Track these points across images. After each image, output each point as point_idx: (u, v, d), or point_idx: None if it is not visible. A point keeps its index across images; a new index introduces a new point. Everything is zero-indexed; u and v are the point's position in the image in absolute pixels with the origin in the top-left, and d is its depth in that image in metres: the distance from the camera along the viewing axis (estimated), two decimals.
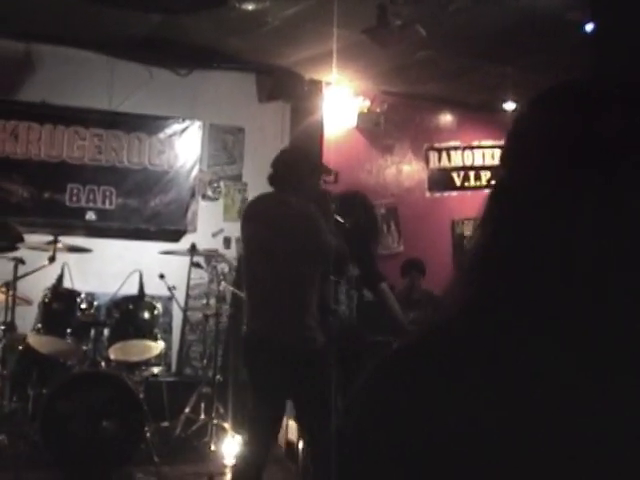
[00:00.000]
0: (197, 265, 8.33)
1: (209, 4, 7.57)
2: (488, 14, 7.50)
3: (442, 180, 10.98)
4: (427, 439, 0.99)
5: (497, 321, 1.04)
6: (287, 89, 9.61)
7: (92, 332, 7.19)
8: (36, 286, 7.29)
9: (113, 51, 8.99)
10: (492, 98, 10.28)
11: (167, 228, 9.26)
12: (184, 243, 8.74)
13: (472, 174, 11.07)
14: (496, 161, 10.99)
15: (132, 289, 7.55)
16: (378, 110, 10.20)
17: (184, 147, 9.37)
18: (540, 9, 7.22)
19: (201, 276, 9.23)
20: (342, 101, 9.95)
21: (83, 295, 7.29)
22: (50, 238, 7.15)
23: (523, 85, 9.22)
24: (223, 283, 8.39)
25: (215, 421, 7.46)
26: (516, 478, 0.95)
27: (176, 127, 9.35)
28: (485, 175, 11.05)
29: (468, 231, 10.90)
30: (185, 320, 9.12)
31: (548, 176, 1.05)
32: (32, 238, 7.46)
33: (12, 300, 6.92)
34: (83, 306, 7.21)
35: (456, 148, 11.04)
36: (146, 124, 9.25)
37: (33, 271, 7.01)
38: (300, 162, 5.43)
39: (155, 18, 8.08)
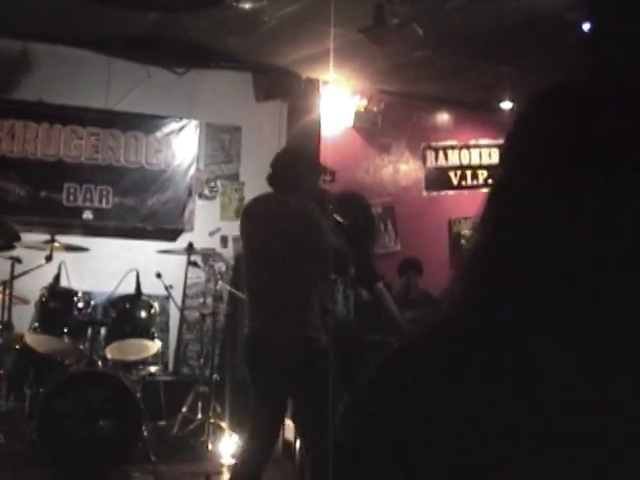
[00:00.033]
0: (194, 264, 8.33)
1: (208, 3, 7.56)
2: (485, 13, 7.50)
3: (439, 179, 10.99)
4: (427, 439, 0.99)
5: (497, 321, 1.04)
6: (284, 88, 9.61)
7: (89, 331, 7.19)
8: (33, 285, 7.28)
9: (110, 50, 8.98)
10: (489, 97, 10.28)
11: (164, 227, 9.26)
12: (181, 242, 8.74)
13: (469, 173, 11.07)
14: (493, 160, 11.01)
15: (129, 288, 7.55)
16: (375, 109, 10.20)
17: (181, 146, 9.36)
18: (540, 9, 7.22)
19: (198, 275, 9.22)
20: (339, 100, 9.95)
21: (80, 294, 7.29)
22: (47, 237, 7.16)
23: (520, 84, 9.22)
24: (220, 282, 8.39)
25: (212, 420, 7.46)
26: (516, 478, 0.95)
27: (173, 126, 9.35)
28: (482, 174, 11.06)
29: (465, 230, 10.89)
30: (182, 319, 9.12)
31: (548, 176, 1.05)
32: (29, 237, 7.46)
33: (9, 299, 6.92)
34: (80, 305, 7.21)
35: (453, 147, 11.04)
36: (143, 123, 9.24)
37: (30, 270, 7.02)
38: (298, 162, 5.43)
39: (152, 17, 8.08)
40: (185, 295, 8.60)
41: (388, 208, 10.53)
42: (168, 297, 8.33)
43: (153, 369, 7.74)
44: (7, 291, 6.93)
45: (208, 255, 9.12)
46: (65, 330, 7.05)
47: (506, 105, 10.38)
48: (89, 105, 9.00)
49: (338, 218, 5.62)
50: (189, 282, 8.71)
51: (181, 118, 9.38)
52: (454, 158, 11.05)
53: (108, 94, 9.05)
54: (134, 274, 7.52)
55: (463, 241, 10.87)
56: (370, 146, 10.53)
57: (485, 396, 0.98)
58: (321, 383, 4.82)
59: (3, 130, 8.68)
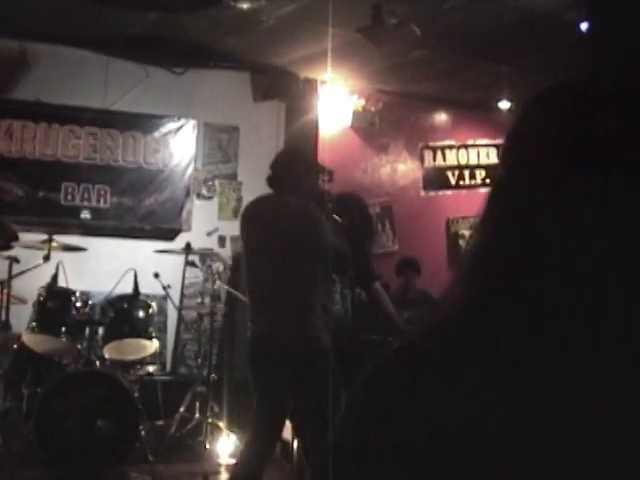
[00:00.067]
0: (192, 264, 8.33)
1: (206, 3, 7.56)
2: (483, 12, 7.51)
3: (437, 179, 10.99)
4: (427, 439, 0.99)
5: (497, 321, 1.04)
6: (282, 88, 9.62)
7: (87, 331, 7.18)
8: (31, 285, 7.28)
9: (108, 50, 8.98)
10: (487, 97, 10.29)
11: (162, 227, 9.26)
12: (179, 242, 8.73)
13: (467, 173, 11.08)
14: (491, 160, 11.01)
15: (127, 288, 7.55)
16: (373, 109, 10.20)
17: (179, 146, 9.36)
18: (538, 8, 7.23)
19: (196, 275, 9.23)
20: (337, 100, 9.95)
21: (78, 294, 7.28)
22: (45, 237, 7.15)
23: (518, 84, 9.23)
24: (218, 282, 8.39)
25: (210, 420, 7.45)
26: (516, 478, 0.95)
27: (171, 126, 9.35)
28: (480, 174, 11.06)
29: (463, 230, 10.90)
30: (180, 319, 9.11)
31: (547, 176, 1.05)
32: (27, 237, 7.45)
33: (7, 299, 6.91)
34: (78, 305, 7.21)
35: (451, 147, 11.05)
36: (141, 123, 9.24)
37: (28, 270, 7.01)
38: (297, 162, 5.43)
39: (151, 17, 8.08)
40: (183, 295, 8.59)
41: (386, 208, 10.53)
42: (166, 297, 8.33)
43: (151, 369, 7.74)
44: (5, 291, 6.91)
45: (206, 255, 9.13)
46: (63, 330, 7.04)
47: (504, 105, 10.38)
48: (87, 105, 9.00)
49: (337, 218, 5.63)
50: (187, 282, 8.71)
51: (179, 118, 9.38)
52: (452, 158, 11.05)
53: (106, 94, 9.05)
54: (132, 274, 7.52)
55: (461, 241, 10.88)
56: (368, 146, 10.54)
57: (485, 396, 0.98)
58: (322, 383, 4.82)
59: (1, 130, 8.68)
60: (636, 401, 0.95)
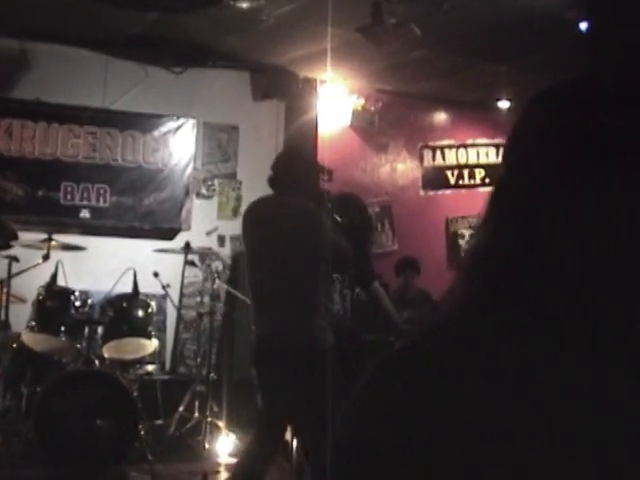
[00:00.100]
0: (191, 263, 8.33)
1: (207, 2, 7.57)
2: (482, 12, 7.51)
3: (436, 178, 10.99)
4: (427, 439, 0.99)
5: (497, 321, 1.04)
6: (281, 87, 9.62)
7: (86, 330, 7.18)
8: (30, 284, 7.28)
9: (108, 49, 8.98)
10: (486, 96, 10.29)
11: (161, 226, 9.26)
12: (178, 241, 8.73)
13: (466, 172, 11.08)
14: (490, 159, 11.01)
15: (126, 287, 7.55)
16: (372, 108, 10.20)
17: (178, 145, 9.36)
18: (538, 8, 7.23)
19: (195, 274, 9.23)
20: (336, 99, 9.95)
21: (77, 293, 7.28)
22: (44, 236, 7.15)
23: (518, 83, 9.24)
24: (217, 281, 8.38)
25: (209, 419, 7.45)
26: (516, 478, 0.95)
27: (170, 125, 9.35)
28: (479, 173, 11.06)
29: (462, 229, 10.91)
30: (179, 318, 9.11)
31: (548, 176, 1.06)
32: (26, 236, 7.44)
33: (6, 298, 6.91)
34: (77, 304, 7.20)
35: (450, 146, 11.05)
36: (140, 122, 9.24)
37: (27, 269, 7.01)
38: (297, 163, 5.42)
39: (150, 16, 8.08)
40: (182, 294, 8.59)
41: (385, 207, 10.53)
42: (165, 296, 8.33)
43: (150, 368, 7.74)
44: (4, 290, 6.91)
45: (205, 254, 9.13)
46: (62, 329, 7.04)
47: (503, 104, 10.39)
48: (87, 104, 9.00)
49: (336, 217, 5.62)
50: (186, 281, 8.71)
51: (178, 117, 9.38)
52: (451, 157, 11.06)
53: (106, 93, 9.05)
54: (131, 273, 7.52)
55: (461, 240, 10.89)
56: (367, 145, 10.54)
57: (485, 396, 0.98)
58: (326, 383, 4.81)
59: (1, 129, 8.68)
60: (636, 401, 0.95)
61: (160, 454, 6.97)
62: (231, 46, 8.99)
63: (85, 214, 8.95)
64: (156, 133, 9.28)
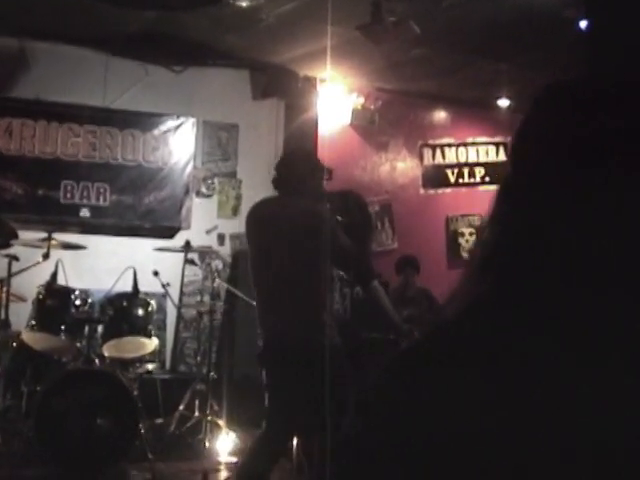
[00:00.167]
0: (191, 262, 8.32)
1: (207, 1, 7.57)
2: (482, 10, 7.51)
3: (436, 177, 10.99)
4: (427, 439, 0.99)
5: (497, 321, 1.04)
6: (281, 86, 9.62)
7: (86, 329, 7.17)
8: (30, 283, 7.28)
9: (108, 48, 8.98)
10: (486, 95, 10.29)
11: (161, 225, 9.26)
12: (178, 240, 8.73)
13: (466, 171, 11.07)
14: (490, 158, 11.01)
15: (126, 286, 7.54)
16: (372, 107, 10.20)
17: (178, 144, 9.36)
18: (537, 6, 7.23)
19: (195, 273, 9.24)
20: (336, 98, 9.95)
21: (77, 292, 7.28)
22: (44, 235, 7.14)
23: (517, 82, 9.23)
24: (217, 280, 8.38)
25: (209, 418, 7.45)
26: (516, 478, 0.96)
27: (170, 124, 9.35)
28: (479, 172, 11.05)
29: (462, 228, 10.91)
30: (179, 317, 9.11)
31: (548, 176, 1.06)
32: (26, 235, 7.44)
33: (6, 297, 6.91)
34: (77, 303, 7.20)
35: (450, 145, 11.04)
36: (140, 121, 9.25)
37: (27, 268, 7.01)
38: (300, 163, 5.42)
39: (150, 15, 8.08)
40: (182, 293, 8.59)
41: (385, 206, 10.54)
42: (165, 295, 8.33)
43: (150, 367, 7.74)
44: (4, 289, 6.91)
45: (205, 253, 9.13)
46: (62, 328, 7.04)
47: (503, 102, 10.39)
48: (87, 103, 9.01)
49: (337, 217, 5.62)
50: (186, 280, 8.71)
51: (178, 116, 9.39)
52: (451, 156, 11.05)
53: (106, 92, 9.05)
54: (131, 272, 7.52)
55: (461, 239, 10.89)
56: (367, 144, 10.54)
57: (485, 397, 0.98)
58: (337, 379, 4.81)
59: (0, 128, 8.68)
60: (636, 401, 0.95)
61: (160, 453, 6.97)
62: (231, 45, 8.99)
63: (85, 213, 8.96)
64: (156, 132, 9.29)
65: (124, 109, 9.16)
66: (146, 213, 9.20)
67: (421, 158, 10.93)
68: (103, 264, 8.55)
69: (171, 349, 9.32)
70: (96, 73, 9.00)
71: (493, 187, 10.65)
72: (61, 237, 7.41)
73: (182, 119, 9.39)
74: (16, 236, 6.98)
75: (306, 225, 5.10)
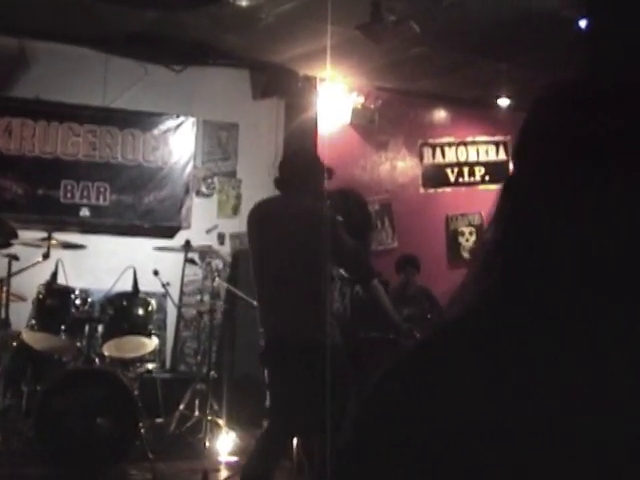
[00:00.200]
0: (191, 261, 8.32)
1: (206, 0, 7.57)
2: (482, 9, 7.51)
3: (436, 176, 10.99)
4: (427, 439, 0.99)
5: (498, 322, 1.04)
6: (281, 85, 9.61)
7: (86, 328, 7.17)
8: (30, 282, 7.28)
9: (108, 47, 8.98)
10: (486, 94, 10.29)
11: (161, 224, 9.26)
12: (178, 239, 8.74)
13: (466, 170, 11.07)
14: (490, 157, 11.01)
15: (126, 285, 7.54)
16: (372, 106, 10.19)
17: (178, 143, 9.36)
18: (536, 6, 7.23)
19: (195, 272, 9.24)
20: (336, 97, 9.95)
21: (77, 291, 7.28)
22: (44, 234, 7.15)
23: (517, 81, 9.24)
24: (217, 279, 8.38)
25: (209, 417, 7.44)
26: (516, 478, 0.96)
27: (170, 123, 9.35)
28: (479, 171, 11.05)
29: (462, 227, 10.92)
30: (179, 316, 9.11)
31: (548, 176, 1.06)
32: (26, 234, 7.44)
33: (6, 296, 6.91)
34: (77, 302, 7.20)
35: (450, 144, 11.04)
36: (140, 120, 9.25)
37: (27, 267, 7.02)
38: (303, 163, 5.43)
39: (150, 15, 8.08)
40: (182, 292, 8.60)
41: (385, 205, 10.54)
42: (165, 294, 8.34)
43: (150, 366, 7.74)
44: (4, 288, 6.92)
45: (205, 252, 9.13)
46: (62, 327, 7.04)
47: (503, 102, 10.39)
48: (86, 102, 9.01)
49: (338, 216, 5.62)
50: (186, 279, 8.71)
51: (178, 115, 9.39)
52: (451, 155, 11.05)
53: (105, 91, 9.05)
54: (131, 271, 7.51)
55: (460, 238, 10.90)
56: (367, 143, 10.54)
57: (485, 396, 0.98)
58: (338, 378, 4.81)
59: (0, 128, 8.68)
60: (636, 401, 0.95)
61: (160, 452, 6.97)
62: (231, 44, 8.99)
63: (85, 212, 8.96)
64: (156, 131, 9.29)
65: (124, 109, 9.16)
66: (146, 213, 9.20)
67: (421, 157, 10.93)
68: (103, 264, 8.55)
69: (171, 349, 9.32)
70: (96, 73, 9.00)
71: (493, 186, 10.66)
72: (61, 237, 7.41)
73: (182, 118, 9.39)
74: (16, 236, 6.98)
75: (308, 224, 5.09)
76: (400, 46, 8.21)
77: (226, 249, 9.57)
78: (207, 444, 7.26)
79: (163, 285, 7.80)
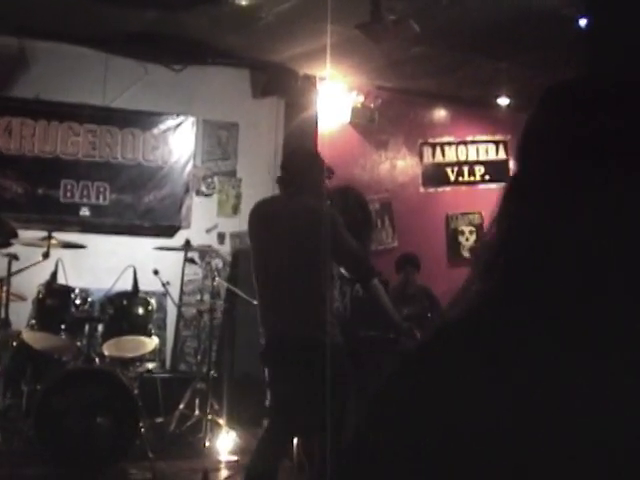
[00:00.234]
0: (191, 261, 8.32)
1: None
2: (481, 8, 7.51)
3: (436, 175, 10.99)
4: (427, 439, 0.99)
5: (498, 322, 1.04)
6: (281, 85, 9.61)
7: (86, 328, 7.18)
8: (30, 282, 7.28)
9: (107, 47, 8.98)
10: (486, 93, 10.29)
11: (161, 224, 9.26)
12: (178, 239, 8.74)
13: (466, 169, 11.07)
14: (490, 156, 11.01)
15: (126, 285, 7.54)
16: (372, 105, 10.19)
17: (178, 143, 9.36)
18: (536, 4, 7.23)
19: (195, 272, 9.24)
20: (336, 96, 9.94)
21: (77, 291, 7.28)
22: (44, 234, 7.15)
23: (517, 80, 9.24)
24: (217, 279, 8.38)
25: (209, 417, 7.45)
26: (516, 478, 0.96)
27: (170, 123, 9.35)
28: (479, 170, 11.05)
29: (462, 226, 10.92)
30: (179, 316, 9.11)
31: (548, 176, 1.06)
32: (26, 234, 7.45)
33: (6, 296, 6.91)
34: (77, 302, 7.20)
35: (450, 143, 11.04)
36: (140, 120, 9.25)
37: (27, 267, 7.01)
38: (302, 161, 5.43)
39: (150, 14, 8.08)
40: (182, 292, 8.60)
41: (385, 204, 10.53)
42: (165, 294, 8.34)
43: (150, 366, 7.74)
44: (4, 288, 6.91)
45: (205, 252, 9.13)
46: (62, 327, 7.04)
47: (503, 101, 10.40)
48: (86, 102, 9.01)
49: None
50: (186, 279, 8.71)
51: (178, 115, 9.39)
52: (451, 154, 11.05)
53: (105, 91, 9.05)
54: (131, 271, 7.52)
55: (460, 237, 10.90)
56: (367, 142, 10.53)
57: (485, 396, 0.99)
58: (339, 378, 4.81)
59: (0, 127, 8.68)
60: (636, 401, 0.95)
61: (161, 452, 6.97)
62: (230, 43, 8.99)
63: (85, 212, 8.96)
64: (156, 131, 9.29)
65: (124, 108, 9.16)
66: (146, 212, 9.20)
67: (421, 156, 10.93)
68: (103, 263, 8.55)
69: (171, 348, 9.33)
70: (96, 72, 9.00)
71: (493, 185, 10.67)
72: (61, 236, 7.40)
73: (182, 118, 9.39)
74: (16, 235, 6.97)
75: (308, 223, 5.09)
76: (400, 45, 8.21)
77: (226, 248, 9.57)
78: (207, 443, 7.27)
79: (163, 284, 7.80)
